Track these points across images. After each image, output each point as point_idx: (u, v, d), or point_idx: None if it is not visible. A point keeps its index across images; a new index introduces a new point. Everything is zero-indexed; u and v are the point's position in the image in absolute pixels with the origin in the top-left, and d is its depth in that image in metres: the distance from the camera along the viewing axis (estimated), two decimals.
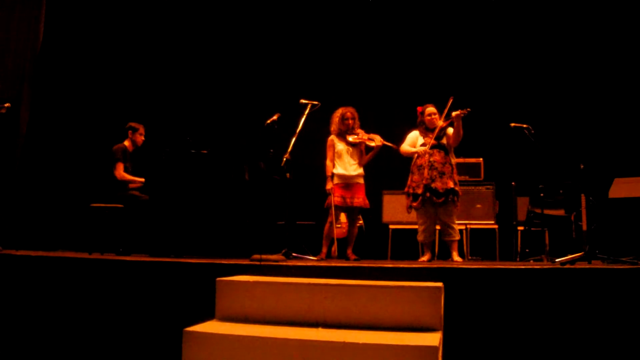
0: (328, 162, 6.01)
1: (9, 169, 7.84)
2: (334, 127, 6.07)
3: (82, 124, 8.34)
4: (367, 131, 6.05)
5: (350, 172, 5.94)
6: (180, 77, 8.58)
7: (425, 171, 5.70)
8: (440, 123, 5.78)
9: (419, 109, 5.97)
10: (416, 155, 5.84)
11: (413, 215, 5.96)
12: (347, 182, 5.92)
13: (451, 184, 5.64)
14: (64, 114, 8.41)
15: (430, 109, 5.90)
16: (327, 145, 6.06)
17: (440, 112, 5.83)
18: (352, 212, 6.05)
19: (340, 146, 6.00)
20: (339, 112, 6.06)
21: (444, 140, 5.80)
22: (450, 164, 5.74)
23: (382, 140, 5.92)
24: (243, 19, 8.67)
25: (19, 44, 8.45)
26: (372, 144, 5.91)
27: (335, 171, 5.95)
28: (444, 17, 8.24)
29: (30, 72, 8.46)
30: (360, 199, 5.94)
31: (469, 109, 5.60)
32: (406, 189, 5.87)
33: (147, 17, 8.72)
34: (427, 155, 5.75)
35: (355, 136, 5.96)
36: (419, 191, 5.69)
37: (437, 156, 5.73)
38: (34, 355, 4.26)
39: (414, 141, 5.96)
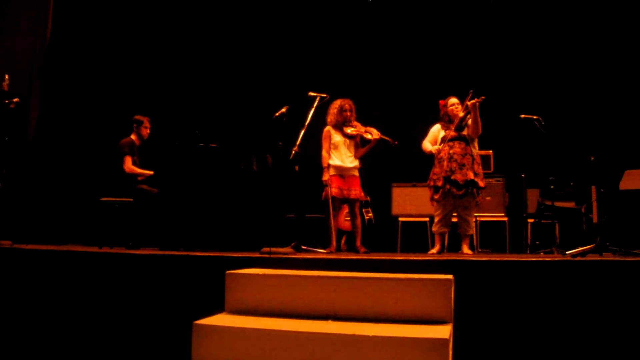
0: (324, 153, 5.99)
1: (19, 164, 7.87)
2: (330, 118, 6.06)
3: (91, 119, 8.35)
4: (364, 124, 6.03)
5: (347, 163, 5.94)
6: (188, 71, 8.57)
7: (445, 163, 5.67)
8: (460, 114, 5.75)
9: (441, 102, 5.95)
10: (439, 148, 5.81)
11: (422, 207, 5.97)
12: (342, 174, 5.93)
13: (471, 175, 5.58)
14: (72, 109, 8.42)
15: (453, 99, 5.88)
16: (323, 137, 6.04)
17: (461, 103, 5.80)
18: (350, 204, 6.05)
19: (337, 137, 5.99)
20: (336, 104, 6.04)
21: (465, 132, 5.75)
22: (471, 155, 5.67)
23: (379, 133, 5.90)
24: (251, 12, 8.66)
25: (27, 41, 8.47)
26: (369, 136, 5.89)
27: (331, 162, 5.95)
28: (453, 9, 8.19)
29: (38, 69, 8.48)
30: (356, 191, 5.95)
31: (483, 97, 5.56)
32: (429, 181, 5.85)
33: (154, 12, 8.71)
34: (447, 148, 5.72)
35: (353, 128, 5.95)
36: (439, 183, 5.67)
37: (457, 148, 5.69)
38: (45, 347, 4.28)
39: (435, 135, 5.93)
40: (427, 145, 5.95)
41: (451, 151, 5.69)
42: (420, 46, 8.22)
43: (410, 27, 8.29)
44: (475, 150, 5.77)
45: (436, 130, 5.96)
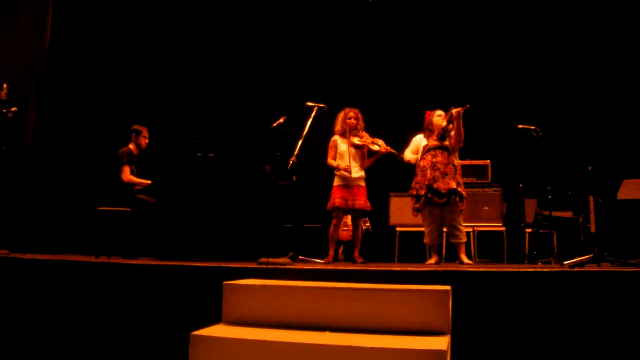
0: (329, 161, 6.01)
1: (16, 172, 7.86)
2: (337, 127, 6.08)
3: (89, 127, 8.37)
4: (372, 134, 6.03)
5: (352, 174, 5.92)
6: (187, 80, 8.60)
7: (428, 172, 5.68)
8: (443, 123, 5.77)
9: (428, 112, 5.97)
10: (419, 158, 5.83)
11: (420, 217, 5.94)
12: (348, 184, 5.91)
13: (453, 185, 5.59)
14: (70, 117, 8.44)
15: (439, 111, 5.92)
16: (329, 146, 6.05)
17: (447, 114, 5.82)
18: (354, 214, 6.03)
19: (343, 147, 5.99)
20: (343, 112, 6.06)
21: (447, 142, 5.77)
22: (453, 165, 5.70)
23: (387, 147, 5.89)
24: (250, 22, 8.69)
25: (26, 47, 8.48)
26: (376, 148, 5.88)
27: (336, 173, 5.94)
28: (451, 19, 8.23)
29: (37, 75, 8.49)
30: (361, 201, 5.92)
31: (467, 105, 5.58)
32: (411, 191, 5.85)
33: (153, 21, 8.74)
34: (429, 156, 5.73)
35: (359, 138, 5.94)
36: (422, 192, 5.68)
37: (440, 157, 5.70)
38: (42, 357, 4.26)
39: (417, 145, 5.95)
40: (408, 154, 5.98)
41: (434, 160, 5.71)
42: (418, 57, 8.26)
43: (409, 37, 8.33)
44: (457, 160, 5.79)
45: (418, 140, 6.00)
